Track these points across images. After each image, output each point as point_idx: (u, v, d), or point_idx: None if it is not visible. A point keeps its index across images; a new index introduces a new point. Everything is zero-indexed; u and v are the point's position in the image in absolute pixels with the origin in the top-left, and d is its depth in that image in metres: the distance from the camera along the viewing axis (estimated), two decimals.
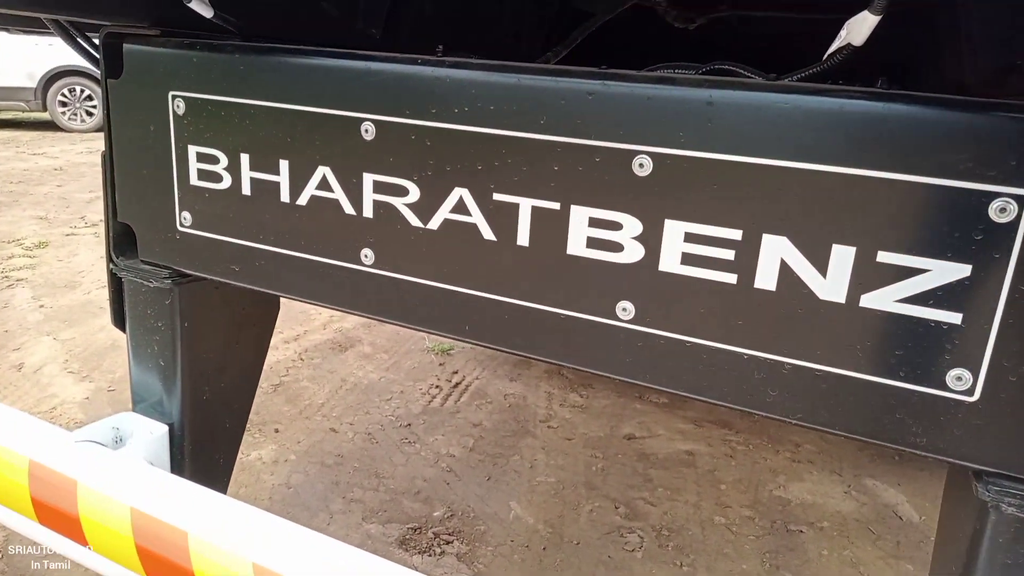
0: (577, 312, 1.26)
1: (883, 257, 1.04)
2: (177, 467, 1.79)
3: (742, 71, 1.28)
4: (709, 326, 1.17)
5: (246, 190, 1.51)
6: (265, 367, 5.66)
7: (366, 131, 1.35)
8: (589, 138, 1.18)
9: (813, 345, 1.11)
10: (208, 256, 1.61)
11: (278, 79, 1.42)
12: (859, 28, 1.00)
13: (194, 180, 1.58)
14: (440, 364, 6.07)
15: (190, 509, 1.30)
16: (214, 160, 1.53)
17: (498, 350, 1.36)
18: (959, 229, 1.00)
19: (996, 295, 1.00)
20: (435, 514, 4.31)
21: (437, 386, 5.67)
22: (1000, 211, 0.97)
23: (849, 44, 1.04)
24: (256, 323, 1.96)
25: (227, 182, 1.53)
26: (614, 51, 2.44)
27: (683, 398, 1.16)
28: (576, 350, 1.28)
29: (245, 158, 1.49)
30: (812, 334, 1.11)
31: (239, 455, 4.39)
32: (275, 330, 6.41)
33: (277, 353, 5.95)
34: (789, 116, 1.06)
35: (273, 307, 2.04)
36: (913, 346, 1.06)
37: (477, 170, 1.27)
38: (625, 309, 1.22)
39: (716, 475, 4.17)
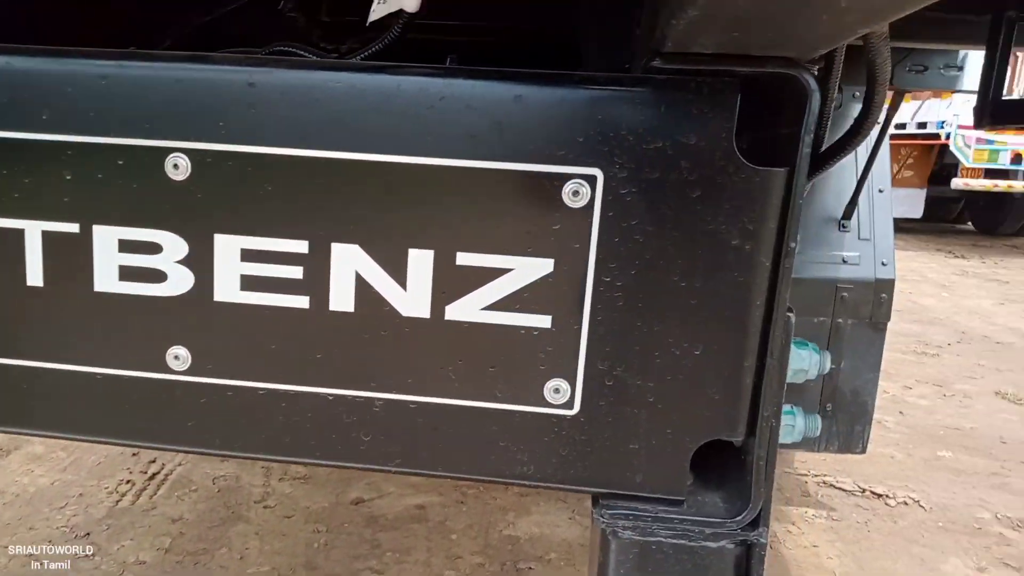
0: (121, 369, 0.96)
1: (463, 259, 0.89)
2: None
3: (300, 51, 1.10)
4: (283, 366, 0.94)
5: None
6: None
7: None
8: (108, 135, 0.91)
9: (403, 373, 0.93)
10: None
11: None
12: None
13: None
14: (133, 454, 5.25)
15: None
16: None
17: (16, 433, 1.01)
18: (536, 219, 0.87)
19: (581, 291, 0.88)
20: None
21: (129, 481, 4.86)
22: (573, 195, 0.86)
23: (402, 11, 0.89)
24: None
25: None
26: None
27: None
28: (125, 421, 0.98)
29: None
30: (400, 360, 0.92)
31: None
32: None
33: None
34: (343, 99, 0.88)
35: None
36: (506, 360, 0.91)
37: None
38: (178, 357, 0.95)
39: (447, 525, 3.97)
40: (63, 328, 0.96)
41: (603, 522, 0.93)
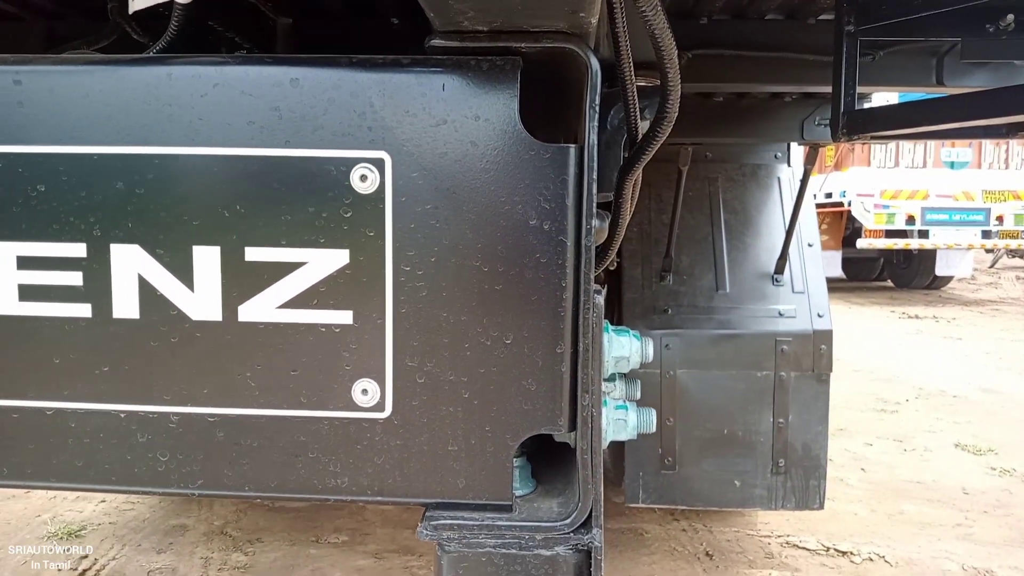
0: None
1: (252, 255, 0.83)
2: None
3: None
4: (68, 382, 0.86)
5: None
6: None
7: None
8: None
9: (197, 383, 0.85)
10: None
11: None
12: None
13: None
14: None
15: None
16: None
17: None
18: (325, 208, 0.82)
19: (380, 282, 0.83)
20: None
21: None
22: (361, 179, 0.81)
23: (175, 2, 0.85)
24: None
25: None
26: None
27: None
28: None
29: None
30: (194, 369, 0.85)
31: None
32: None
33: None
34: (114, 92, 0.83)
35: None
36: (308, 361, 0.84)
37: None
38: None
39: None
40: None
41: (427, 534, 0.86)
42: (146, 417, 0.86)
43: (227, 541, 4.50)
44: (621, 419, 0.89)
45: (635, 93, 0.90)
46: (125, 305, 0.84)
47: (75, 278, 0.84)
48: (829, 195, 10.30)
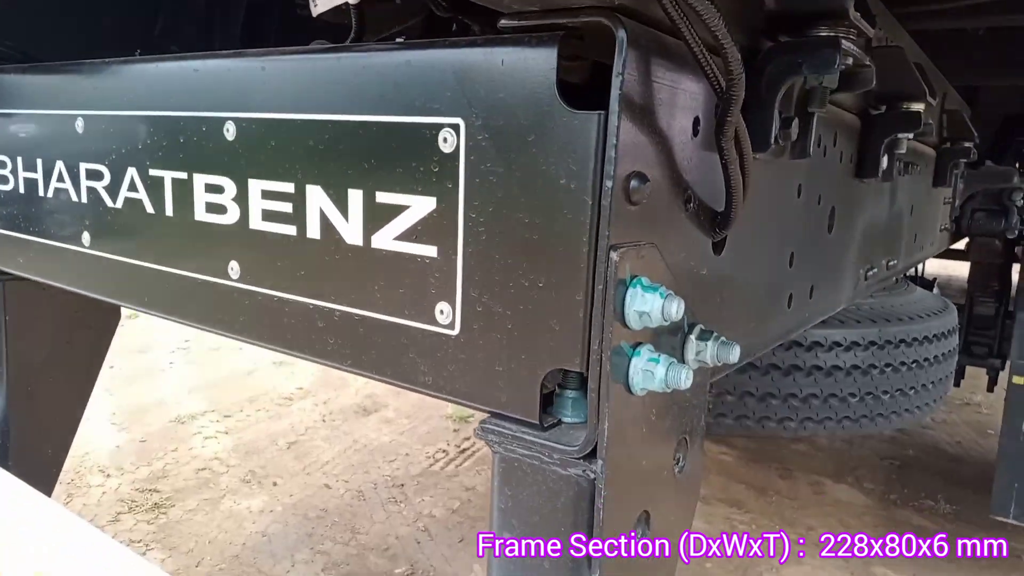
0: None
1: (380, 198, 1.10)
2: (2, 458, 1.98)
3: None
4: (291, 280, 1.25)
5: (22, 189, 1.74)
6: (287, 427, 5.91)
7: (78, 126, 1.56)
8: None
9: (351, 290, 1.16)
10: (9, 252, 1.84)
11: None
12: None
13: None
14: (455, 430, 6.10)
15: None
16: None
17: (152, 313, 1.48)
18: (424, 163, 1.04)
19: (455, 225, 1.03)
20: (396, 571, 4.28)
21: (444, 451, 5.70)
22: (444, 141, 1.02)
23: (347, 2, 1.14)
24: (90, 325, 2.17)
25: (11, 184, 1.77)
26: None
27: None
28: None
29: (19, 160, 1.73)
30: (348, 278, 1.16)
31: (235, 504, 4.55)
32: (306, 394, 6.63)
33: (302, 415, 6.21)
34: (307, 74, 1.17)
35: (110, 311, 2.25)
36: (410, 282, 1.09)
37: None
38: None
39: None
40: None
41: (478, 435, 1.05)
42: (322, 309, 1.21)
43: None
44: (649, 371, 0.95)
45: (702, 51, 0.93)
46: (313, 228, 1.19)
47: (287, 207, 1.21)
48: None
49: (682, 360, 1.06)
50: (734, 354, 1.09)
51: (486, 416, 1.07)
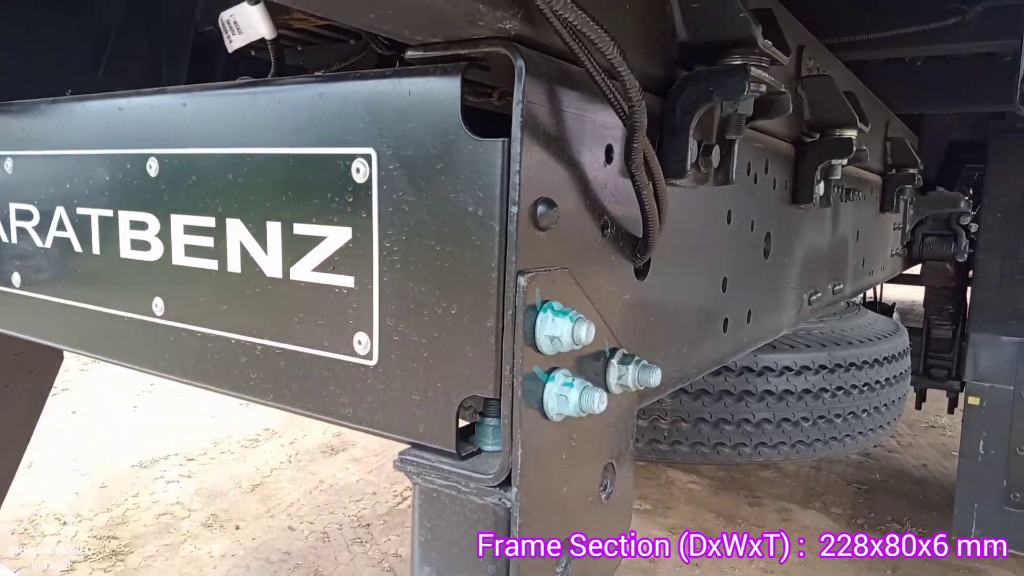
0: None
1: (298, 229, 1.10)
2: None
3: None
4: (204, 312, 1.23)
5: None
6: (251, 469, 5.79)
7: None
8: None
9: (271, 323, 1.15)
10: None
11: None
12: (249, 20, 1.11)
13: None
14: None
15: None
16: None
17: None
18: (338, 193, 1.05)
19: (370, 254, 1.03)
20: None
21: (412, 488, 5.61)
22: (357, 171, 1.02)
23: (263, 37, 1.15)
24: (31, 368, 2.12)
25: None
26: None
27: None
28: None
29: None
30: (268, 311, 1.15)
31: (196, 549, 4.43)
32: (272, 435, 6.52)
33: (268, 456, 6.10)
34: (226, 109, 1.17)
35: (52, 354, 2.20)
36: (329, 313, 1.08)
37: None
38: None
39: None
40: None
41: (398, 467, 1.04)
42: (243, 343, 1.19)
43: None
44: (563, 395, 0.95)
45: (603, 78, 0.94)
46: (234, 262, 1.18)
47: (209, 242, 1.21)
48: None
49: (605, 384, 1.06)
50: (655, 377, 1.09)
51: (405, 447, 1.06)
